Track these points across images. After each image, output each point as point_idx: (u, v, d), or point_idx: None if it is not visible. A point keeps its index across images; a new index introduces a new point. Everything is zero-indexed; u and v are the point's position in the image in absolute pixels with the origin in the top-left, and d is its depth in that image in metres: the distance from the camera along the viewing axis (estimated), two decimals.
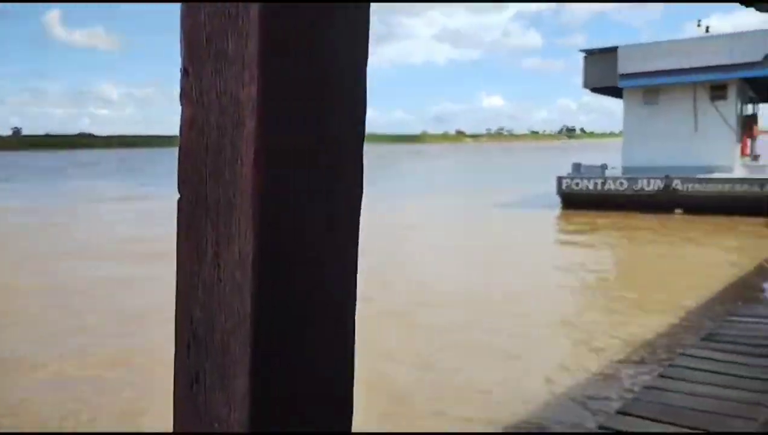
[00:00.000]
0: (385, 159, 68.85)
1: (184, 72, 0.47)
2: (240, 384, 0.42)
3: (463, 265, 11.62)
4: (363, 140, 0.49)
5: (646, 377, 5.60)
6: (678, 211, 16.94)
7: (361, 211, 0.50)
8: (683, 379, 4.41)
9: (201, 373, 0.46)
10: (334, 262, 0.47)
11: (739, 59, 16.90)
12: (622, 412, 4.01)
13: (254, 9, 0.41)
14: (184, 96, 0.47)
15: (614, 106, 20.76)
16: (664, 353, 6.25)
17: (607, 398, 5.32)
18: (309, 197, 0.45)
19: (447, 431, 4.92)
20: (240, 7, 0.42)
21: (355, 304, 0.48)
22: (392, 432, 5.05)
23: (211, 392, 0.45)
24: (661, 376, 4.62)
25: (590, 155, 31.01)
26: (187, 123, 0.47)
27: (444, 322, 7.56)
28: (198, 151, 0.46)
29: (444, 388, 5.66)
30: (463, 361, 6.32)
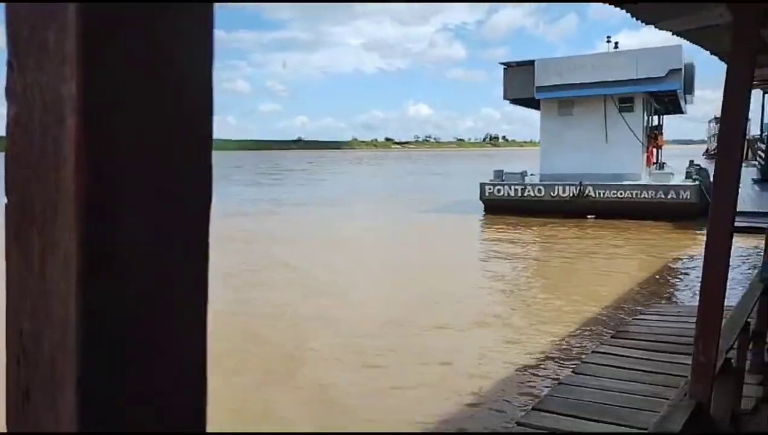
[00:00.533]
0: (316, 164, 68.76)
1: (9, 66, 0.44)
2: (67, 400, 0.39)
3: (384, 267, 11.75)
4: (209, 141, 0.46)
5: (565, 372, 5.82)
6: (590, 216, 17.85)
7: (210, 216, 0.46)
8: (594, 375, 4.61)
9: (31, 389, 0.43)
10: (175, 268, 0.43)
11: (644, 74, 18.08)
12: (537, 409, 4.13)
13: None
14: (9, 92, 0.44)
15: (534, 116, 21.61)
16: (579, 350, 6.52)
17: (528, 393, 5.48)
18: (141, 201, 0.42)
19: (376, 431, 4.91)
20: None
21: (205, 310, 0.45)
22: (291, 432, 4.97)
23: (41, 410, 0.42)
24: (574, 372, 4.81)
25: (513, 163, 32.16)
26: (12, 121, 0.44)
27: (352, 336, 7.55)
28: (24, 152, 0.43)
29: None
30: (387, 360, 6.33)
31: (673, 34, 3.37)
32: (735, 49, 2.14)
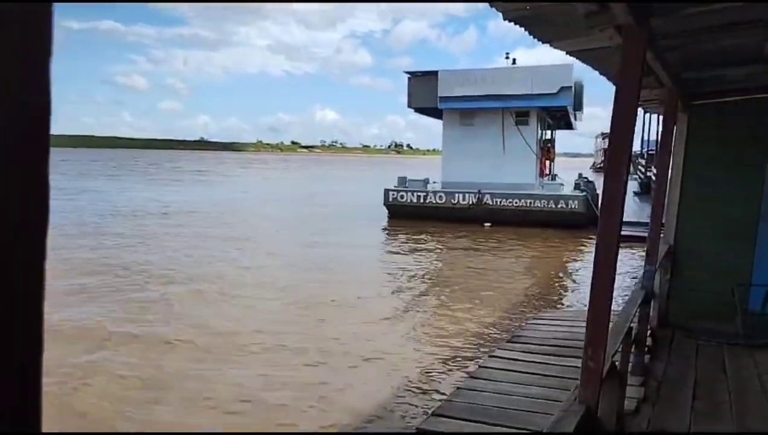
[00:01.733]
0: (217, 166, 66.23)
1: None
2: None
3: (287, 271, 11.52)
4: (46, 146, 0.45)
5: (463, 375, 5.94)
6: (487, 224, 18.63)
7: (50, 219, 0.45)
8: (491, 379, 4.73)
9: None
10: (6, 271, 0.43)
11: (539, 90, 19.16)
12: (437, 414, 4.17)
13: None
14: None
15: (437, 125, 22.19)
16: (476, 353, 6.70)
17: (428, 399, 5.53)
18: None
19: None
20: None
21: (40, 308, 0.46)
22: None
23: None
24: (471, 377, 4.93)
25: (417, 170, 32.83)
26: None
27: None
28: None
29: None
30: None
31: (567, 53, 3.55)
32: (623, 70, 2.26)
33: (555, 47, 3.32)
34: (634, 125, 2.37)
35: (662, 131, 4.26)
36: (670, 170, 4.73)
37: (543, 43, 3.15)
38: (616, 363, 3.29)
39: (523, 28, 2.84)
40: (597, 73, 4.23)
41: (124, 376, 6.00)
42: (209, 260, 12.43)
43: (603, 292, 2.36)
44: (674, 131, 4.77)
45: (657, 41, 2.89)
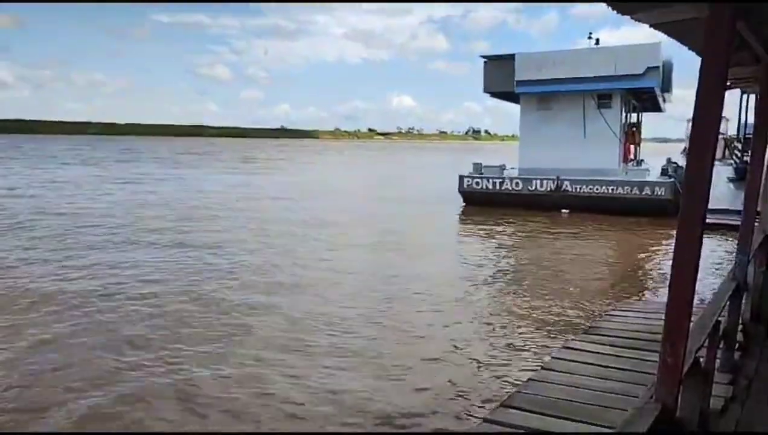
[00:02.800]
0: (300, 152, 68.12)
1: None
2: None
3: (371, 253, 11.69)
4: None
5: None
6: (564, 211, 17.97)
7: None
8: (564, 371, 4.57)
9: None
10: None
11: (623, 71, 18.18)
12: (505, 405, 4.07)
13: None
14: None
15: (514, 110, 21.61)
16: (552, 342, 6.51)
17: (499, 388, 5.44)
18: None
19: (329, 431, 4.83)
20: None
21: None
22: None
23: None
24: (544, 368, 4.77)
25: (495, 156, 32.23)
26: None
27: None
28: None
29: None
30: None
31: (650, 26, 3.30)
32: (708, 43, 2.06)
33: (636, 19, 3.08)
34: (722, 104, 2.16)
35: (757, 112, 3.89)
36: (767, 154, 4.32)
37: (623, 14, 2.93)
38: (701, 359, 3.07)
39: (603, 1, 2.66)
40: (688, 51, 3.91)
41: None
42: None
43: (683, 282, 2.18)
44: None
45: (751, 10, 2.62)
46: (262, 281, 9.54)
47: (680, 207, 2.19)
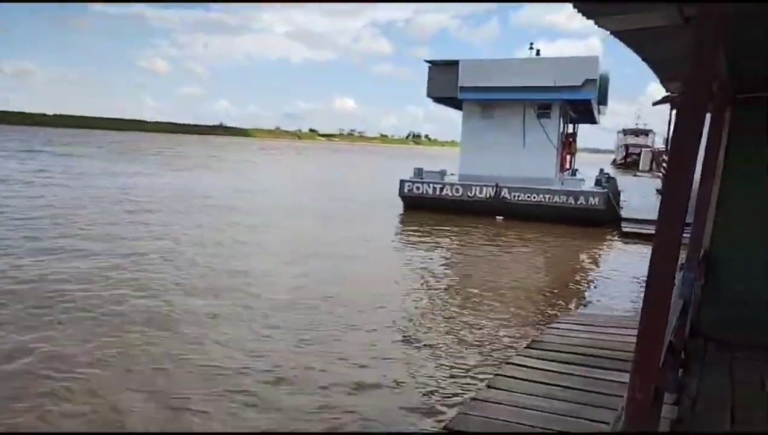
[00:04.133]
0: (234, 153, 66.12)
1: None
2: None
3: (304, 258, 11.23)
4: None
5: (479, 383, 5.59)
6: (499, 217, 18.22)
7: None
8: (508, 390, 4.39)
9: None
10: None
11: (562, 82, 18.60)
12: (448, 429, 3.85)
13: None
14: None
15: (455, 116, 21.74)
16: (494, 358, 6.35)
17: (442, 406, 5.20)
18: None
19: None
20: None
21: None
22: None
23: None
24: (488, 386, 4.58)
25: (435, 161, 32.38)
26: None
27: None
28: None
29: None
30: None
31: (612, 33, 3.15)
32: (696, 53, 1.87)
33: (599, 24, 2.92)
34: (703, 120, 1.98)
35: (711, 127, 3.85)
36: (719, 170, 4.32)
37: (587, 18, 2.75)
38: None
39: (570, 3, 2.46)
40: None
41: None
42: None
43: (657, 314, 1.99)
44: (722, 127, 4.35)
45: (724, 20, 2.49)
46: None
47: (657, 226, 2.00)
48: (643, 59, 3.83)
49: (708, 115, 3.95)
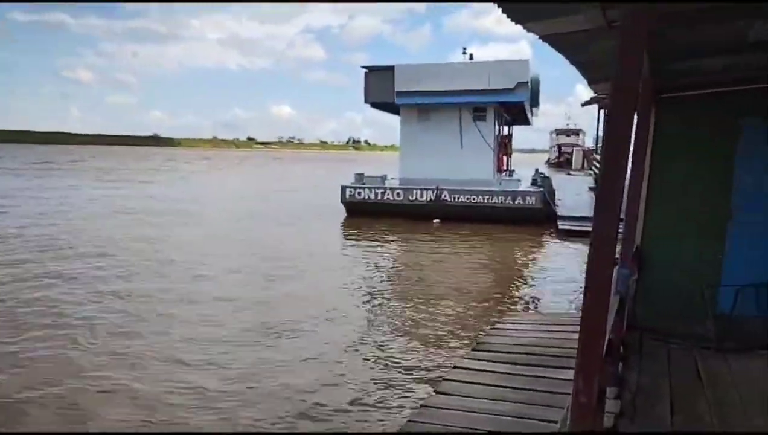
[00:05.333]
0: (176, 164, 63.91)
1: None
2: None
3: (249, 266, 10.93)
4: None
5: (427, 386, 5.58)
6: (436, 220, 18.46)
7: None
8: (457, 394, 4.38)
9: None
10: None
11: (495, 85, 19.04)
12: None
13: None
14: None
15: (394, 120, 21.87)
16: (442, 362, 6.35)
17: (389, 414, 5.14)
18: None
19: None
20: None
21: None
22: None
23: None
24: (437, 392, 4.56)
25: (375, 166, 32.44)
26: None
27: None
28: None
29: None
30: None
31: (540, 38, 3.19)
32: (623, 54, 1.89)
33: (527, 29, 2.95)
34: (632, 118, 2.01)
35: (638, 125, 3.99)
36: (647, 167, 4.47)
37: (516, 23, 2.77)
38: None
39: (495, 4, 2.46)
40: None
41: None
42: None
43: (597, 314, 2.00)
44: (649, 126, 4.52)
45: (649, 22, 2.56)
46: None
47: (593, 224, 2.01)
48: (571, 62, 3.91)
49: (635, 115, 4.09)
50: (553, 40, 3.27)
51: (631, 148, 4.79)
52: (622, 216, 4.49)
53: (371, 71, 21.18)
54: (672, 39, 3.16)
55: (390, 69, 20.35)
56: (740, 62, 3.84)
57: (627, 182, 4.92)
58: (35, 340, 6.95)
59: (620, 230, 4.78)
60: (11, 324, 7.51)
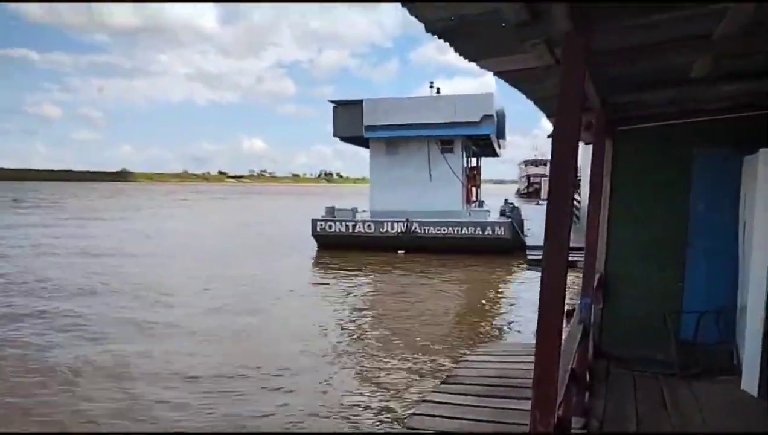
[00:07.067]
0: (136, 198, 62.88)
1: None
2: None
3: (222, 304, 10.71)
4: None
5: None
6: (401, 251, 18.52)
7: None
8: (425, 429, 4.32)
9: None
10: None
11: (461, 118, 19.41)
12: None
13: None
14: None
15: (365, 153, 22.02)
16: (411, 395, 6.28)
17: None
18: None
19: None
20: None
21: None
22: None
23: None
24: (406, 427, 4.48)
25: (347, 199, 32.50)
26: None
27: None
28: None
29: None
30: None
31: (494, 74, 3.27)
32: (564, 87, 1.95)
33: (481, 66, 3.02)
34: (576, 150, 2.07)
35: (593, 158, 4.09)
36: (602, 198, 4.58)
37: (469, 61, 2.84)
38: (560, 411, 2.97)
39: (448, 43, 2.52)
40: (515, 101, 4.01)
41: None
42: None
43: (550, 345, 2.01)
44: (604, 158, 4.63)
45: (595, 59, 2.65)
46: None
47: (544, 252, 2.04)
48: (527, 97, 4.02)
49: (590, 147, 4.20)
50: (507, 76, 3.36)
51: (587, 179, 4.93)
52: (582, 245, 4.61)
53: (339, 105, 21.40)
54: (615, 74, 3.28)
55: (358, 103, 20.60)
56: (686, 95, 3.99)
57: (585, 212, 5.03)
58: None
59: (580, 257, 4.87)
60: None
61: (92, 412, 5.96)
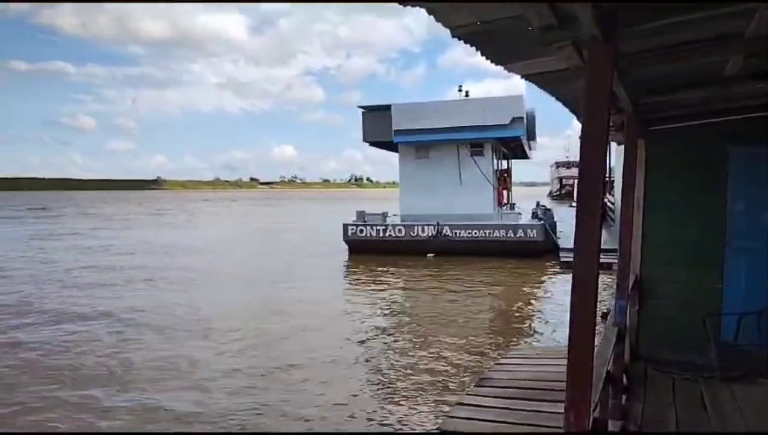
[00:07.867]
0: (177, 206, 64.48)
1: None
2: None
3: (259, 309, 10.91)
4: None
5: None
6: (430, 254, 18.47)
7: None
8: (460, 431, 4.34)
9: None
10: None
11: (491, 121, 19.30)
12: None
13: None
14: None
15: (394, 157, 22.09)
16: (446, 398, 6.30)
17: None
18: None
19: None
20: None
21: None
22: None
23: None
24: (440, 430, 4.51)
25: (377, 203, 32.62)
26: None
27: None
28: None
29: None
30: None
31: (522, 77, 3.29)
32: (590, 92, 1.97)
33: (508, 70, 3.04)
34: (605, 153, 2.08)
35: (625, 159, 4.06)
36: (635, 199, 4.53)
37: (496, 64, 2.86)
38: (596, 413, 2.96)
39: (474, 47, 2.55)
40: (546, 102, 4.00)
41: None
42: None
43: (583, 347, 2.02)
44: (636, 158, 4.59)
45: (618, 61, 2.65)
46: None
47: (574, 255, 2.05)
48: (556, 99, 4.01)
49: (622, 148, 4.16)
50: (535, 79, 3.37)
51: (621, 180, 4.88)
52: (617, 247, 4.56)
53: (368, 111, 21.53)
54: (645, 75, 3.26)
55: (387, 108, 20.68)
56: (719, 94, 3.93)
57: (618, 214, 4.98)
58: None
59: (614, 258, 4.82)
60: None
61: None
